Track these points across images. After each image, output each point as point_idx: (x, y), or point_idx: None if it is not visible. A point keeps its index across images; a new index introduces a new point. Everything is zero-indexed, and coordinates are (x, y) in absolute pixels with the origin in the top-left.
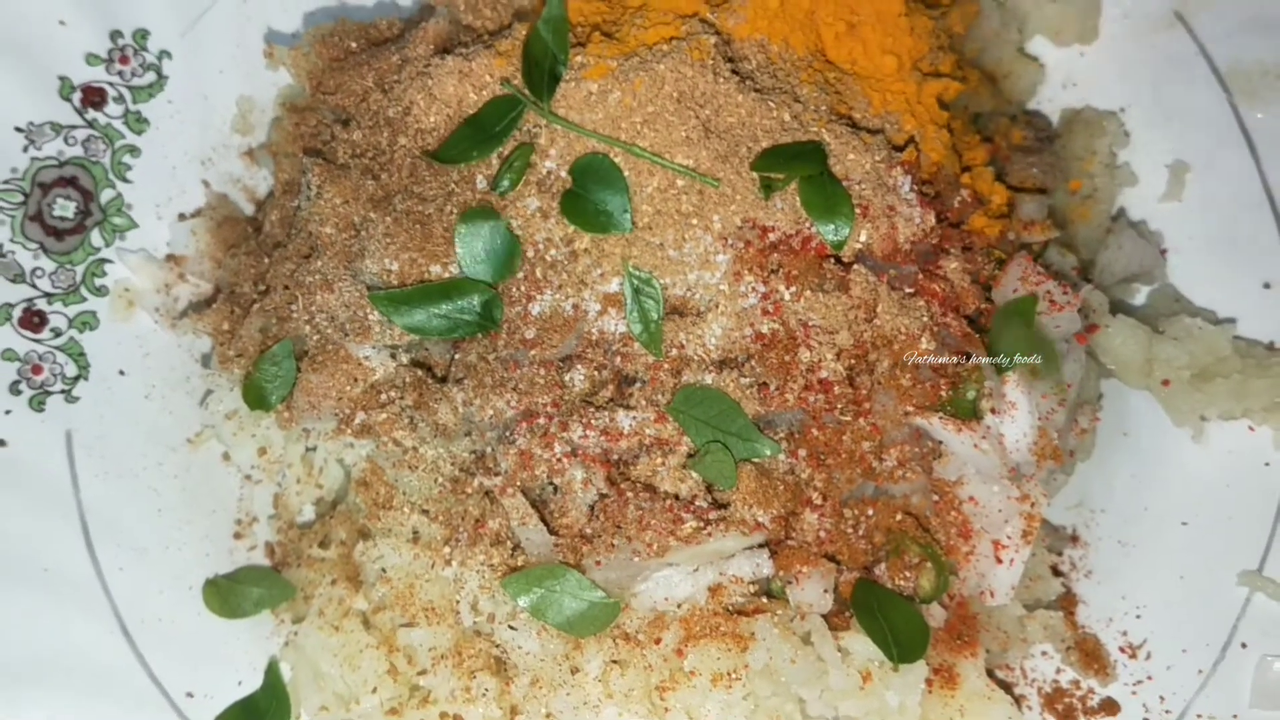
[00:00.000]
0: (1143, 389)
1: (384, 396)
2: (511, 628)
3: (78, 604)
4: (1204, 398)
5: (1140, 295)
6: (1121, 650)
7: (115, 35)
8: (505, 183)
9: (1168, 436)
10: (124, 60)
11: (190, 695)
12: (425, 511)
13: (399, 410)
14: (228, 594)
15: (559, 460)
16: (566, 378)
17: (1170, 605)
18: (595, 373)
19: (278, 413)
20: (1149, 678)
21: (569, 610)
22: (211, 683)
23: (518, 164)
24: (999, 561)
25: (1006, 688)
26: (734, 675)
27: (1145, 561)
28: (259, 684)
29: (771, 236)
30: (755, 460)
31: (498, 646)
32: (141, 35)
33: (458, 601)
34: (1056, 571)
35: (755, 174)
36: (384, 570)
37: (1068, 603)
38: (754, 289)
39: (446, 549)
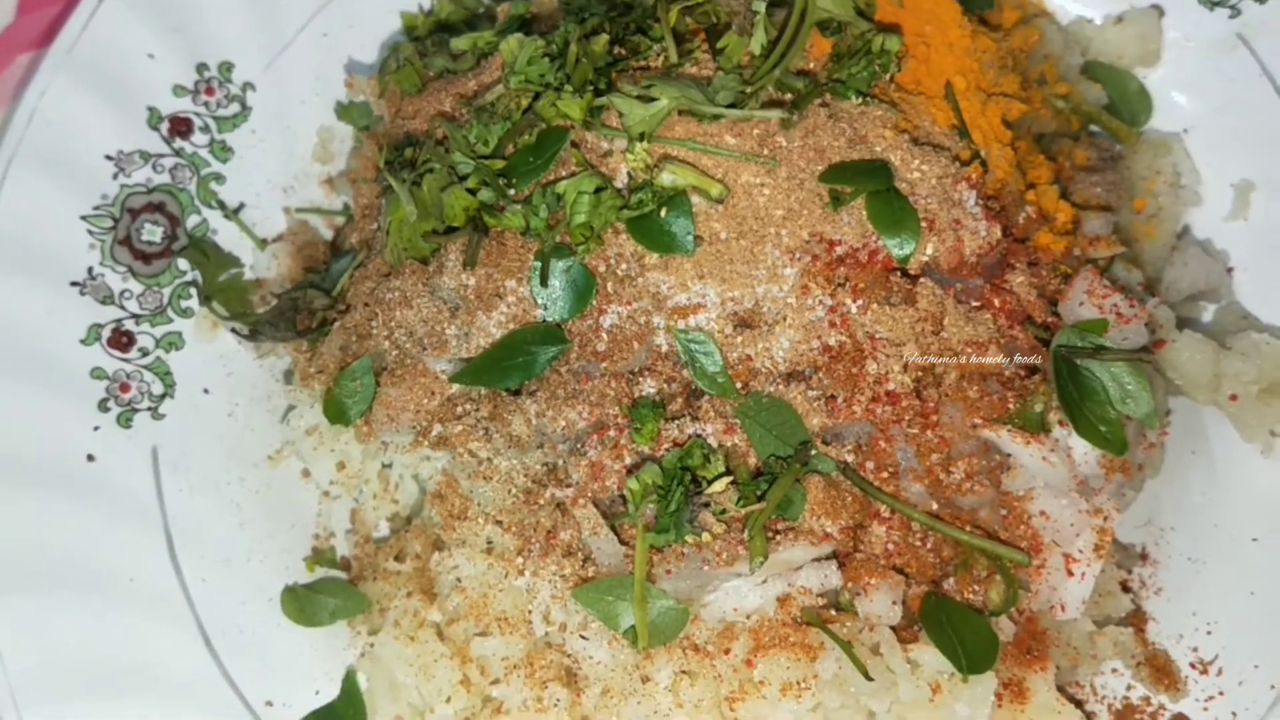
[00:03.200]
0: (1211, 405)
1: (460, 409)
2: (583, 637)
3: (162, 614)
4: (1273, 413)
5: (1207, 313)
6: (1192, 666)
7: (201, 68)
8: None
9: (1237, 452)
10: (209, 92)
11: (269, 704)
12: (499, 522)
13: (474, 422)
14: (305, 602)
15: (629, 471)
16: (637, 390)
17: (1241, 621)
18: (665, 385)
19: (357, 427)
20: (1221, 693)
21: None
22: (290, 692)
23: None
24: (1070, 575)
25: (1077, 704)
26: (803, 685)
27: (1216, 578)
28: (336, 693)
29: (838, 250)
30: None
31: (569, 656)
32: (226, 68)
33: (530, 612)
34: (1126, 588)
35: (822, 187)
36: (459, 580)
37: (1137, 620)
38: (821, 302)
39: (519, 559)
